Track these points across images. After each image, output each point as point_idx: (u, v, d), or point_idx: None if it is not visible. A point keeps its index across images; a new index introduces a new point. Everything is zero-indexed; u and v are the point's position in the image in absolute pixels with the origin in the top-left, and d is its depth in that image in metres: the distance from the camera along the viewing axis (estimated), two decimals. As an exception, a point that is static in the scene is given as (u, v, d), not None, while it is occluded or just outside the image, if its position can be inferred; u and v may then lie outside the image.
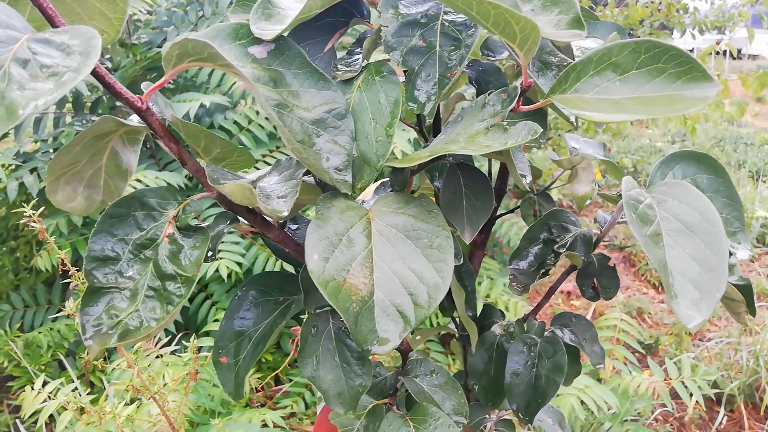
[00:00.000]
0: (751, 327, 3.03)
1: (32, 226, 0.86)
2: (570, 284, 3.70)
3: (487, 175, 0.56)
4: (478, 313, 0.67)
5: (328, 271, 0.38)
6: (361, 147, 0.44)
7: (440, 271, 0.38)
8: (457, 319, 0.73)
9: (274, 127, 2.57)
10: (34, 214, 0.86)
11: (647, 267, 3.89)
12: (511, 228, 3.10)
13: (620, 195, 0.62)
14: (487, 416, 0.67)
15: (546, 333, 0.60)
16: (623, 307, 3.40)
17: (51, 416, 2.19)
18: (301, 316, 0.53)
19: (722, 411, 2.59)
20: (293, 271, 0.57)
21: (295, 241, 0.49)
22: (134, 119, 0.46)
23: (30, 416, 2.17)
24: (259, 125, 2.53)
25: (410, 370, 0.53)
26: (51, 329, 2.44)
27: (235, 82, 2.47)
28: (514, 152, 0.49)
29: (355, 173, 0.44)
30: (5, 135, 2.46)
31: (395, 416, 0.48)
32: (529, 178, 0.49)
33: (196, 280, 0.39)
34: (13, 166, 2.47)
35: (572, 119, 0.47)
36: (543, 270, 0.55)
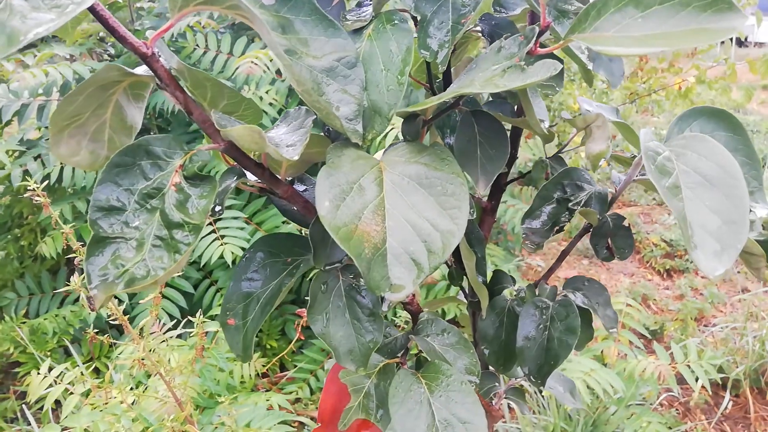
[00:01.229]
0: (756, 312, 3.01)
1: (36, 200, 0.85)
2: (574, 270, 3.68)
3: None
4: (488, 280, 0.66)
5: (340, 217, 0.37)
6: (371, 97, 0.43)
7: (455, 218, 0.37)
8: (467, 288, 0.73)
9: (278, 112, 2.56)
10: (38, 187, 0.85)
11: (652, 254, 3.88)
12: (516, 214, 3.09)
13: (634, 156, 0.61)
14: (497, 384, 0.66)
15: (558, 297, 0.59)
16: (628, 293, 3.39)
17: (58, 402, 2.19)
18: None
19: (728, 396, 2.58)
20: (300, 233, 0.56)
21: (304, 198, 0.48)
22: (139, 70, 0.45)
23: (36, 402, 2.18)
24: (263, 111, 2.52)
25: (421, 330, 0.52)
26: (56, 316, 2.45)
27: (238, 67, 2.46)
28: (532, 97, 0.48)
29: (366, 124, 0.43)
30: (8, 122, 2.45)
31: (407, 373, 0.47)
32: (546, 123, 0.48)
33: (203, 228, 0.38)
34: (17, 153, 2.46)
35: (590, 67, 0.45)
36: (557, 228, 0.54)
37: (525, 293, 0.61)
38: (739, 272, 3.75)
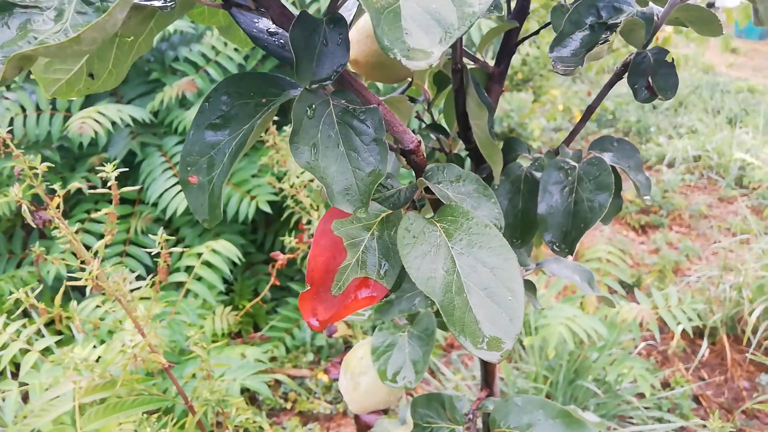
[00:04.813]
0: (731, 264, 3.03)
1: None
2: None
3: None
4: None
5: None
6: None
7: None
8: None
9: (245, 59, 2.41)
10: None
11: (627, 210, 3.88)
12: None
13: None
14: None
15: (584, 159, 0.50)
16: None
17: (18, 367, 2.05)
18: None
19: (705, 343, 2.60)
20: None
21: (279, 2, 0.38)
22: None
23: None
24: (228, 56, 2.37)
25: (431, 176, 0.42)
26: (13, 276, 2.30)
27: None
28: None
29: None
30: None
31: (417, 215, 0.38)
32: None
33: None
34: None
35: None
36: (596, 47, 0.45)
37: (544, 159, 0.52)
38: (712, 227, 3.77)
